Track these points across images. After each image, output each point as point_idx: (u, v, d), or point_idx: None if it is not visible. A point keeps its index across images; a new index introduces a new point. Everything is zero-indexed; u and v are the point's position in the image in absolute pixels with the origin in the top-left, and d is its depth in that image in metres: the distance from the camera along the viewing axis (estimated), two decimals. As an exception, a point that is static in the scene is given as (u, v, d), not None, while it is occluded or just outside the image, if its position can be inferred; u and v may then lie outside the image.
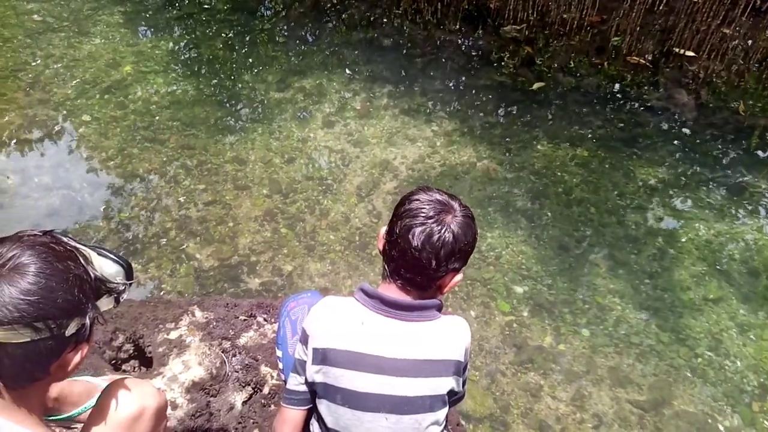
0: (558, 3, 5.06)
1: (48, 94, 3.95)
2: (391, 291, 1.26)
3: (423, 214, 1.20)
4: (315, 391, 1.29)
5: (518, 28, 4.96)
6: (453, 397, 1.35)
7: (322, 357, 1.24)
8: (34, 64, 4.21)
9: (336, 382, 1.23)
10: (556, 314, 2.88)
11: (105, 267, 1.13)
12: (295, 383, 1.32)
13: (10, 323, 0.89)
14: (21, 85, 4.00)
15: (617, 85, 4.46)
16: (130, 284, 1.20)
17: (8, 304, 0.89)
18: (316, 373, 1.25)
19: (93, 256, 1.10)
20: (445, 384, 1.26)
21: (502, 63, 4.62)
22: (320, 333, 1.25)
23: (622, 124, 4.06)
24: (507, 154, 3.78)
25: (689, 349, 2.78)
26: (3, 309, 0.89)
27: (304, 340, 1.29)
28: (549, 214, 3.39)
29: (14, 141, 3.59)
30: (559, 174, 3.66)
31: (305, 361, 1.28)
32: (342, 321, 1.26)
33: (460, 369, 1.29)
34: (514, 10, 5.07)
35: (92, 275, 1.02)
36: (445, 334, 1.28)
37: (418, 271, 1.22)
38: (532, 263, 3.11)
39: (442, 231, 1.19)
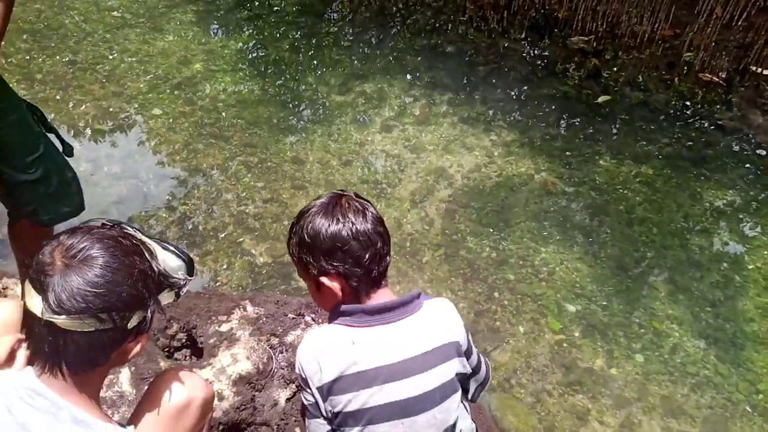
0: (629, 15, 4.92)
1: (122, 87, 4.14)
2: (369, 300, 1.25)
3: (339, 221, 1.20)
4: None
5: (586, 39, 4.85)
6: (469, 380, 1.32)
7: (327, 392, 1.22)
8: (110, 57, 4.42)
9: (345, 408, 1.21)
10: (609, 337, 2.79)
11: (168, 261, 1.17)
12: (318, 425, 1.29)
13: (77, 313, 0.94)
14: (98, 78, 4.21)
15: (687, 103, 4.29)
16: (191, 279, 1.23)
17: (76, 295, 0.94)
18: (328, 407, 1.24)
19: (158, 249, 1.13)
20: (449, 369, 1.24)
21: (567, 74, 4.52)
22: (316, 373, 1.22)
23: (690, 143, 3.90)
24: (567, 168, 3.70)
25: (750, 383, 2.64)
26: (71, 299, 0.93)
27: (306, 384, 1.26)
28: (608, 232, 3.30)
29: (88, 130, 3.78)
30: (621, 191, 3.55)
31: (316, 402, 1.25)
32: (332, 351, 1.22)
33: (460, 349, 1.26)
34: (583, 20, 4.95)
35: (156, 270, 1.06)
36: (434, 320, 1.26)
37: (380, 258, 1.23)
38: (587, 282, 3.03)
39: (360, 216, 1.22)
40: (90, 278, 0.95)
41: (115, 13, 4.94)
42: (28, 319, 0.98)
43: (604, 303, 2.94)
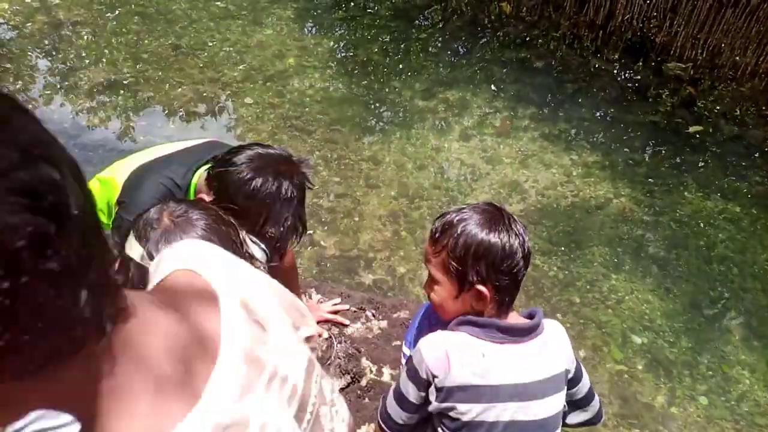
0: (732, 46, 4.70)
1: (218, 74, 4.36)
2: (505, 317, 1.23)
3: (494, 229, 1.18)
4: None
5: (683, 66, 4.67)
6: (574, 410, 1.33)
7: (448, 393, 1.19)
8: (210, 44, 4.66)
9: (465, 417, 1.19)
10: (673, 374, 2.69)
11: (255, 252, 1.25)
12: (402, 413, 1.27)
13: None
14: (197, 63, 4.45)
15: (788, 142, 4.05)
16: (266, 269, 1.30)
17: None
18: (441, 405, 1.21)
19: (247, 239, 1.22)
20: (562, 399, 1.25)
21: (659, 100, 4.38)
22: (444, 370, 1.19)
23: (786, 185, 3.69)
24: (648, 196, 3.58)
25: (825, 445, 2.47)
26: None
27: (421, 377, 1.22)
28: (684, 267, 3.17)
29: (183, 112, 4.01)
30: (703, 226, 3.40)
31: (416, 405, 1.24)
32: (462, 355, 1.20)
33: (568, 377, 1.27)
34: (682, 47, 4.78)
35: (244, 250, 1.15)
36: (555, 346, 1.25)
37: (521, 274, 1.22)
38: (657, 315, 2.93)
39: (526, 234, 1.20)
40: (190, 236, 1.04)
41: (220, 3, 5.20)
42: (124, 267, 1.07)
43: (672, 339, 2.83)
